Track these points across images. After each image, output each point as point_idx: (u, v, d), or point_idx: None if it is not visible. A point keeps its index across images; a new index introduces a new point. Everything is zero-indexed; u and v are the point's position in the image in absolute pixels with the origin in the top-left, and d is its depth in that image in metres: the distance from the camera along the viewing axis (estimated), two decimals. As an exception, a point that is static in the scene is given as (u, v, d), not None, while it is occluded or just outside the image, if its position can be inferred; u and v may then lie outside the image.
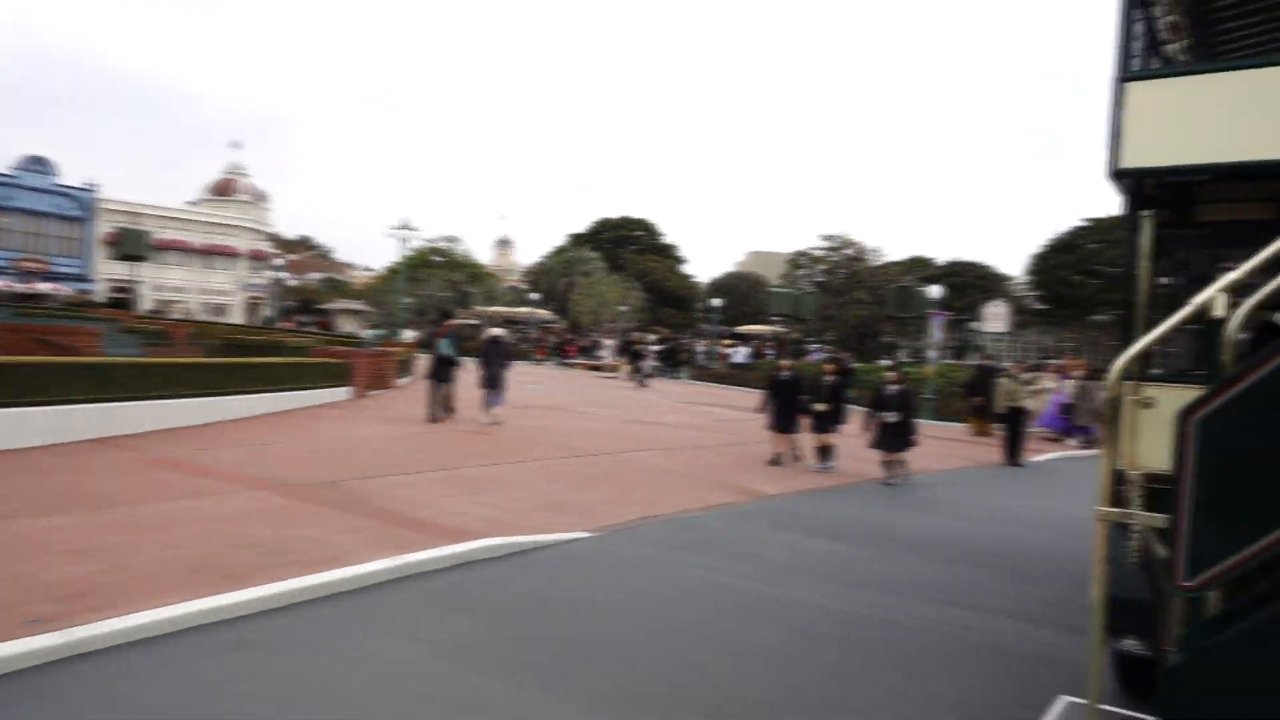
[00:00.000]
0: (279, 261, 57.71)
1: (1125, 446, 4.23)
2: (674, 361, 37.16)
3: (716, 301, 47.38)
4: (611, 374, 35.29)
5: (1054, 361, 31.33)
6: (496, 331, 18.60)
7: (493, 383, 16.04)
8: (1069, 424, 20.10)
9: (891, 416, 12.24)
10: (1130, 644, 4.27)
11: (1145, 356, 4.50)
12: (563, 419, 17.57)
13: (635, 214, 68.49)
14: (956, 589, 7.11)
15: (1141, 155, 3.91)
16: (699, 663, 5.08)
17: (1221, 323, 3.07)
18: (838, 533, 8.95)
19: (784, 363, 14.45)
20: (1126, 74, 4.00)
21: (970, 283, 49.89)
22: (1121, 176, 4.00)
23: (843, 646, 5.57)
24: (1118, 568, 4.42)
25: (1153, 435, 3.98)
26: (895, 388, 12.50)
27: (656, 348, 35.74)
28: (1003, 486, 13.48)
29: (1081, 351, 50.08)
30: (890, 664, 5.33)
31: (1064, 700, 4.71)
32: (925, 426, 21.34)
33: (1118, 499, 3.71)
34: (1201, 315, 3.07)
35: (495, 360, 16.20)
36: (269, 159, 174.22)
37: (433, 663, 4.76)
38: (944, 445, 18.00)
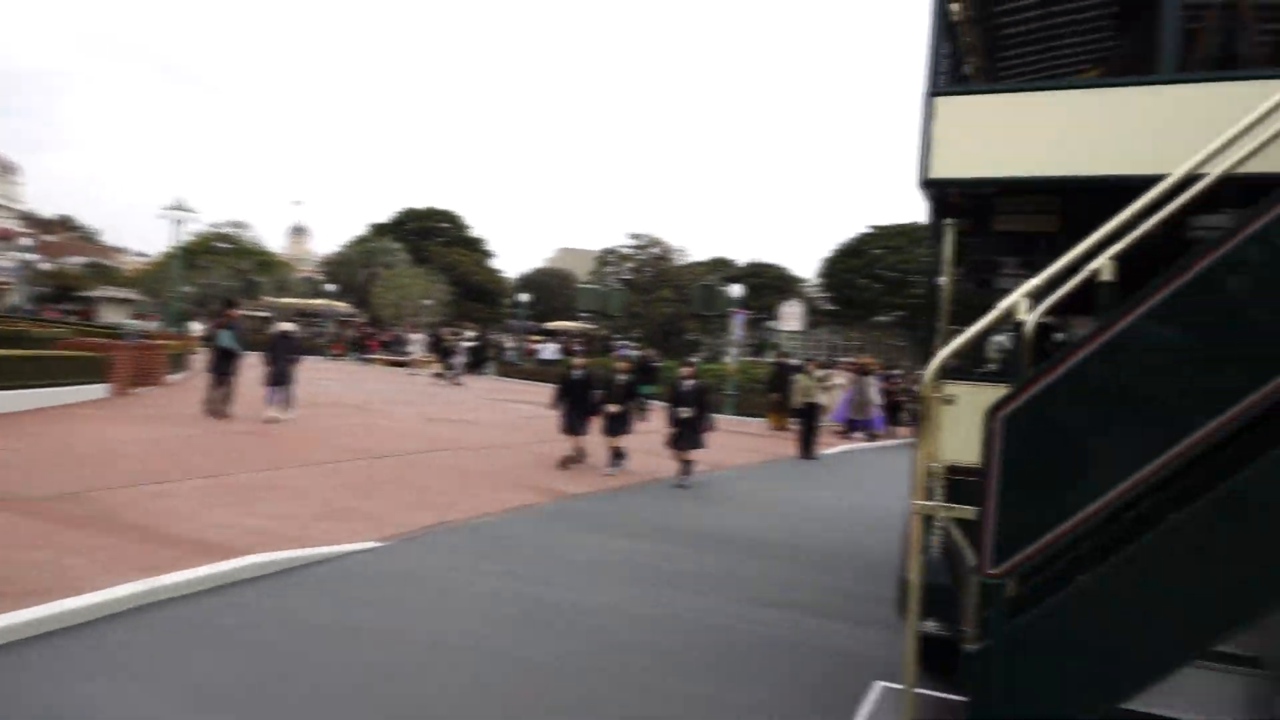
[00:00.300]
0: (28, 242, 51.23)
1: (922, 440, 4.32)
2: (481, 358, 36.23)
3: (525, 297, 46.76)
4: (420, 371, 33.88)
5: (845, 359, 33.18)
6: (286, 325, 17.19)
7: (279, 379, 14.81)
8: (850, 418, 21.26)
9: (686, 412, 11.90)
10: (931, 626, 4.44)
11: (928, 360, 4.70)
12: (357, 418, 16.49)
13: (442, 205, 66.43)
14: (761, 586, 7.12)
15: (946, 167, 4.04)
16: (488, 684, 4.66)
17: (1021, 325, 3.17)
18: (643, 532, 8.80)
19: (576, 360, 13.77)
20: (934, 90, 4.13)
21: (768, 283, 52.19)
22: (929, 186, 4.13)
23: (648, 654, 5.34)
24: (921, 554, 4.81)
25: (952, 431, 4.07)
26: (690, 383, 12.15)
27: (469, 344, 34.61)
28: (798, 480, 13.97)
29: (867, 349, 53.52)
30: (697, 670, 5.15)
31: (880, 686, 4.71)
32: (728, 422, 22.00)
33: (929, 492, 3.82)
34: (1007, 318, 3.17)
35: (283, 355, 14.99)
36: (28, 126, 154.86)
37: (165, 715, 4.05)
38: (745, 440, 18.50)
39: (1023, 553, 2.90)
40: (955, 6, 4.56)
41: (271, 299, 46.69)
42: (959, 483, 3.96)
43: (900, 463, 17.53)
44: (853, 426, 21.05)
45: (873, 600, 6.89)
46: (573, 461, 12.54)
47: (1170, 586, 2.88)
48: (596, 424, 12.62)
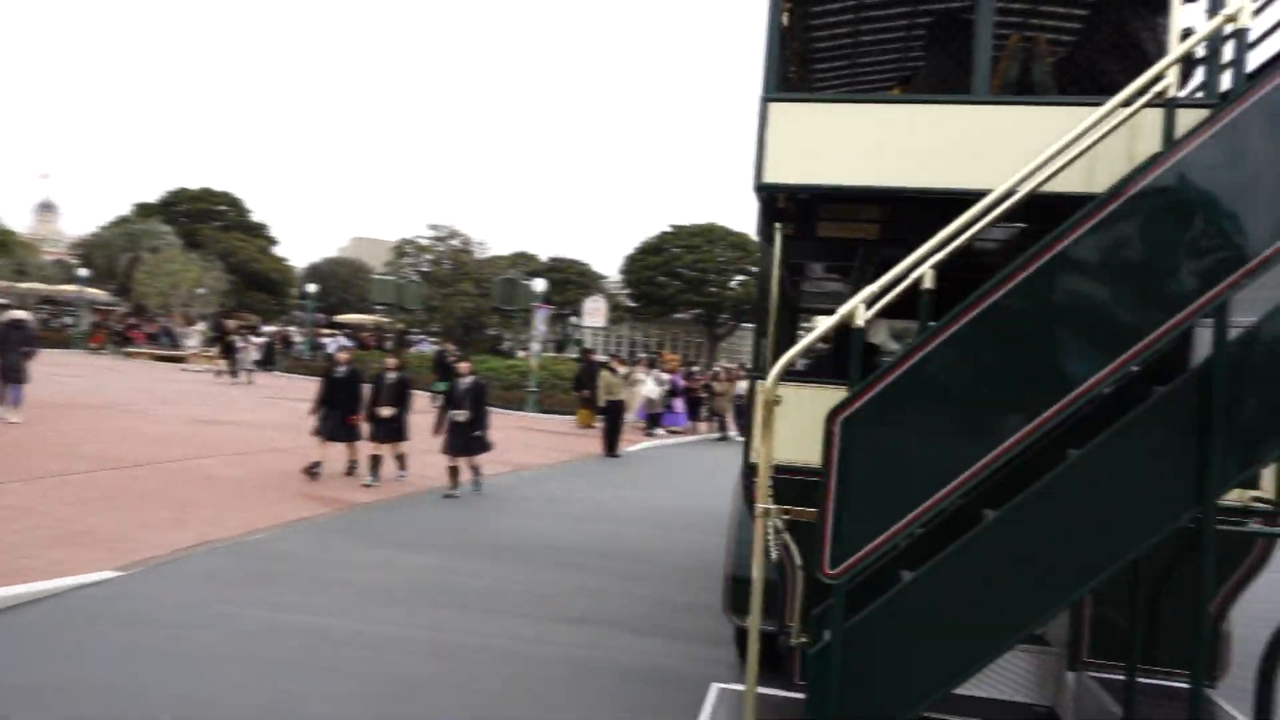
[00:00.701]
0: None
1: (758, 441, 4.34)
2: (271, 353, 33.39)
3: (313, 287, 43.83)
4: (198, 367, 30.71)
5: (648, 355, 33.52)
6: (18, 314, 14.88)
7: (9, 375, 12.78)
8: (650, 414, 21.27)
9: (461, 415, 10.50)
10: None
11: (767, 357, 4.72)
12: (109, 419, 14.50)
13: (220, 186, 61.12)
14: (567, 600, 6.67)
15: (778, 172, 4.09)
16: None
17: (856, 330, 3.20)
18: (437, 545, 8.12)
19: (341, 355, 11.82)
20: (769, 95, 4.15)
21: (570, 279, 52.09)
22: (761, 190, 4.15)
23: (437, 692, 4.74)
24: (745, 549, 4.76)
25: (781, 430, 4.01)
26: (468, 381, 10.73)
27: (259, 339, 31.67)
28: (604, 480, 13.67)
29: (667, 346, 54.66)
30: (493, 708, 4.61)
31: (716, 688, 4.47)
32: (531, 420, 21.50)
33: (751, 492, 4.09)
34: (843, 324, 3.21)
35: (14, 348, 12.97)
36: None
37: None
38: (549, 439, 18.06)
39: (859, 553, 2.99)
40: (785, 14, 4.55)
41: (8, 283, 41.03)
42: (783, 482, 3.99)
43: (705, 458, 17.80)
44: (654, 423, 21.12)
45: (691, 610, 6.62)
46: (316, 470, 10.84)
47: (988, 582, 3.06)
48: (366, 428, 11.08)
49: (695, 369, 30.12)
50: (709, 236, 49.83)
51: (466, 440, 10.56)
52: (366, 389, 11.21)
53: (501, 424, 17.71)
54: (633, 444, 18.28)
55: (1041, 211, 3.56)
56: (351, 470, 11.28)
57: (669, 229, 50.95)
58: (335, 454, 11.07)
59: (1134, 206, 3.01)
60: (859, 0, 4.81)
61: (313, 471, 10.83)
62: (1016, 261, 3.03)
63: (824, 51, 6.14)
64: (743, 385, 22.56)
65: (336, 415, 10.91)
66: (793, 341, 3.45)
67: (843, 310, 3.15)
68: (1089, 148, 3.34)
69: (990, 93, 4.16)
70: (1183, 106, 3.50)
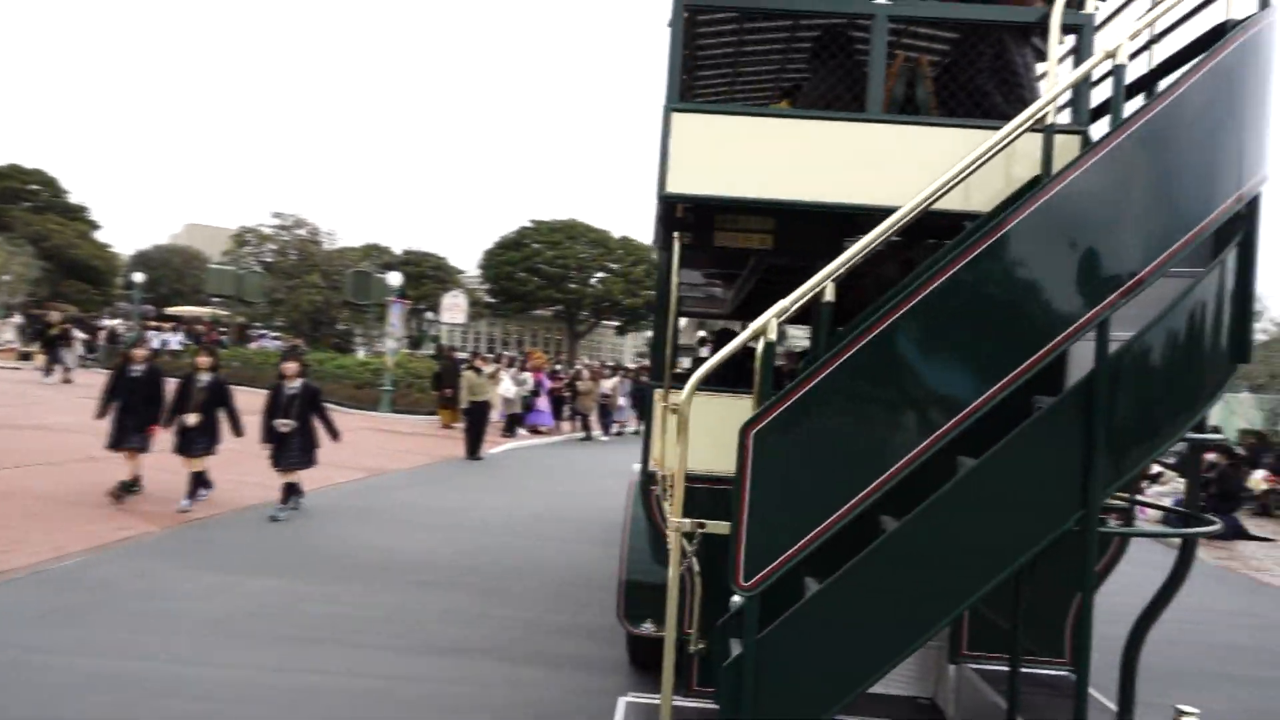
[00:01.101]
0: None
1: (657, 450, 4.45)
2: (90, 348, 30.24)
3: (140, 276, 40.38)
4: (13, 364, 27.41)
5: (508, 354, 32.78)
6: None
7: None
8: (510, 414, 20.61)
9: (286, 425, 9.10)
10: (648, 627, 4.80)
11: (664, 364, 4.68)
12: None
13: (30, 164, 55.44)
14: (428, 626, 6.09)
15: (681, 181, 4.09)
16: None
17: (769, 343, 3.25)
18: (279, 566, 7.32)
19: (138, 352, 9.59)
20: (673, 104, 4.13)
21: (426, 273, 50.36)
22: (665, 199, 4.15)
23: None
24: (639, 555, 5.03)
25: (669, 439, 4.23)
26: (295, 386, 9.26)
27: (84, 335, 28.46)
28: (467, 485, 13.07)
29: (526, 342, 53.90)
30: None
31: (625, 701, 4.32)
32: (386, 420, 20.41)
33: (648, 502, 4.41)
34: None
35: None
36: None
37: None
38: (407, 441, 17.20)
39: (772, 564, 3.03)
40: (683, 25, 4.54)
41: None
42: (690, 491, 3.95)
43: (572, 461, 17.34)
44: (514, 424, 20.45)
45: (570, 633, 6.20)
46: (127, 492, 9.22)
47: (895, 587, 3.15)
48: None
49: (559, 368, 29.62)
50: (570, 233, 49.43)
51: (292, 452, 9.24)
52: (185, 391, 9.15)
53: (355, 425, 16.68)
54: (495, 446, 17.62)
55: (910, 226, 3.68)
56: (130, 488, 9.29)
57: (529, 224, 50.17)
58: (133, 467, 9.31)
59: (1024, 230, 3.13)
60: (742, 10, 4.83)
61: (127, 491, 9.23)
62: (916, 282, 3.14)
63: (707, 61, 6.16)
64: (607, 384, 22.28)
65: (130, 421, 9.12)
66: (725, 360, 3.38)
67: (756, 323, 3.20)
68: (975, 169, 3.49)
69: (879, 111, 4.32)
70: (1058, 133, 3.73)
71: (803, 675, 3.10)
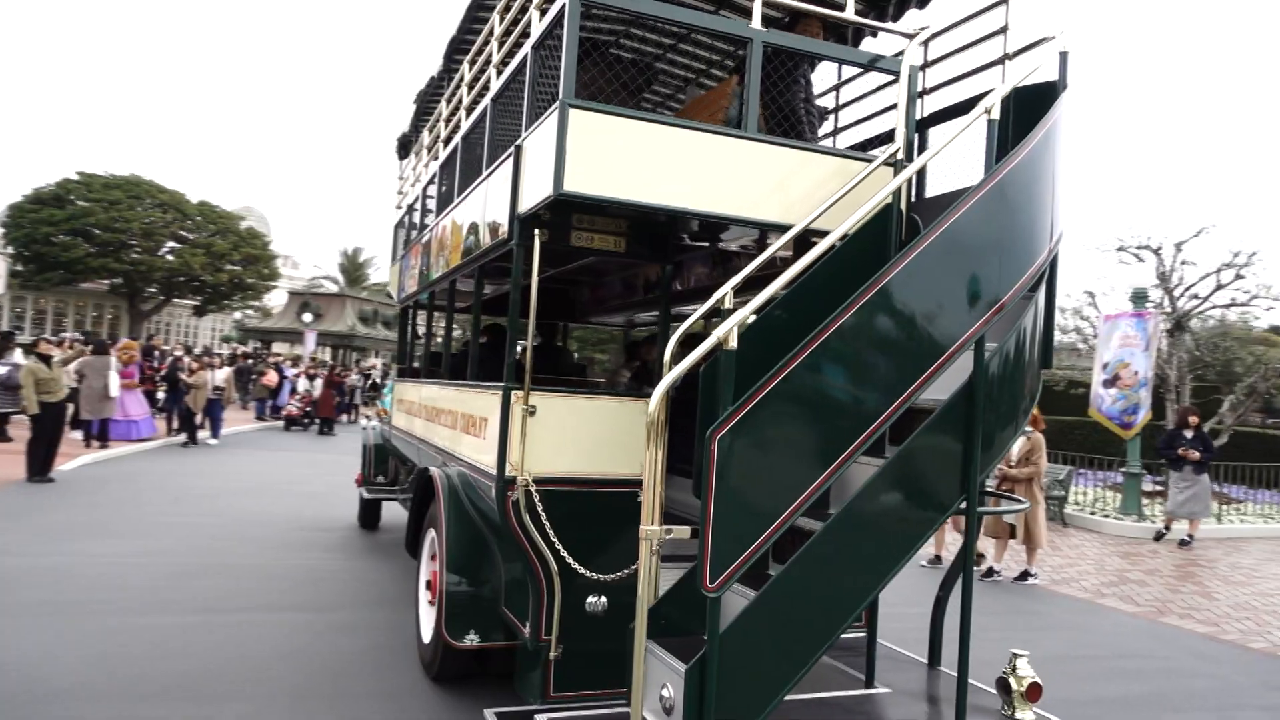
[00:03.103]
0: None
1: (515, 454, 4.29)
2: None
3: None
4: None
5: (81, 338, 27.20)
6: None
7: None
8: (87, 419, 16.35)
9: None
10: (473, 639, 4.85)
11: (521, 367, 4.46)
12: None
13: None
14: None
15: (576, 181, 4.03)
16: None
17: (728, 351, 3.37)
18: None
19: None
20: (570, 100, 4.00)
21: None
22: (562, 198, 4.02)
23: None
24: (462, 564, 4.97)
25: (537, 441, 4.28)
26: None
27: None
28: (32, 524, 9.30)
29: (71, 319, 45.33)
30: None
31: (491, 714, 4.31)
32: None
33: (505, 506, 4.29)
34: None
35: None
36: None
37: None
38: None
39: (731, 566, 3.11)
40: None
41: None
42: (552, 495, 4.28)
43: (185, 476, 13.82)
44: (93, 431, 16.36)
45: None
46: None
47: (824, 582, 3.41)
48: None
49: (159, 351, 24.86)
50: (132, 191, 42.09)
51: None
52: None
53: None
54: (72, 459, 14.22)
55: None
56: None
57: (75, 177, 41.77)
58: None
59: (925, 259, 3.55)
60: (632, 14, 4.81)
61: None
62: (845, 303, 3.42)
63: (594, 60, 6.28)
64: (219, 375, 19.36)
65: None
66: (688, 370, 3.35)
67: (717, 333, 3.26)
68: (844, 193, 4.18)
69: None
70: (889, 165, 4.39)
71: (750, 675, 3.26)
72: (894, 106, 5.28)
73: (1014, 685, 3.94)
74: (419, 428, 7.40)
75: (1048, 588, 9.58)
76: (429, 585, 5.78)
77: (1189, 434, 12.85)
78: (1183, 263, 19.21)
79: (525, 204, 4.40)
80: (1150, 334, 14.44)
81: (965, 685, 3.81)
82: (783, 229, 4.25)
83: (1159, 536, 13.16)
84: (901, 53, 4.71)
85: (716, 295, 3.91)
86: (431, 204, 8.08)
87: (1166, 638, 7.77)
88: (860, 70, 5.09)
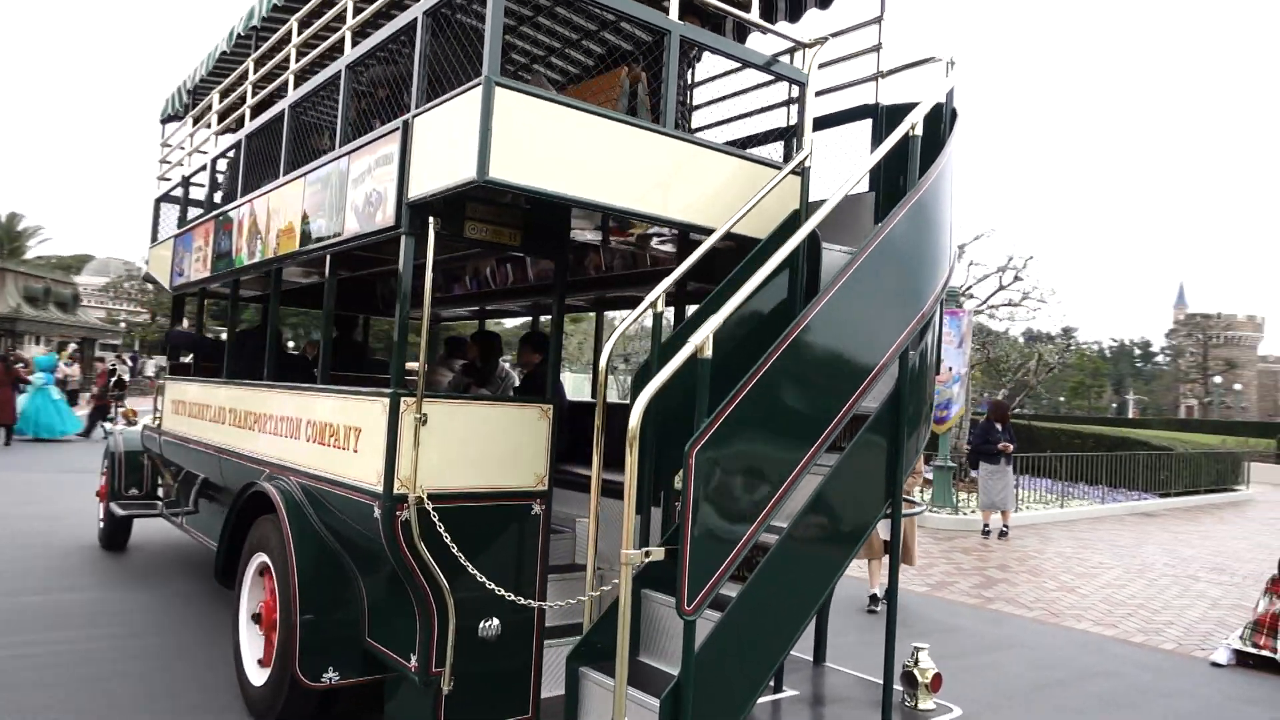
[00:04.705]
0: None
1: (405, 468, 3.83)
2: None
3: None
4: None
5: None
6: None
7: None
8: None
9: None
10: (331, 676, 4.37)
11: (419, 368, 4.18)
12: None
13: None
14: None
15: (503, 168, 3.67)
16: None
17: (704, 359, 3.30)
18: None
19: None
20: (497, 78, 3.57)
21: None
22: (487, 185, 3.62)
23: None
24: (316, 590, 4.42)
25: (429, 453, 3.87)
26: None
27: None
28: None
29: None
30: None
31: None
32: None
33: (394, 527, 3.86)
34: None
35: None
36: None
37: None
38: None
39: (707, 585, 3.03)
40: None
41: None
42: (445, 511, 3.85)
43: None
44: None
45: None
46: None
47: (783, 592, 3.46)
48: None
49: None
50: None
51: None
52: None
53: None
54: None
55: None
56: None
57: None
58: None
59: (860, 276, 3.67)
60: None
61: None
62: (792, 323, 3.47)
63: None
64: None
65: None
66: (669, 381, 3.20)
67: (694, 341, 3.18)
68: (761, 197, 4.21)
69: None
70: (796, 174, 4.45)
71: (722, 688, 3.24)
72: (778, 106, 5.42)
73: (919, 677, 4.13)
74: (216, 435, 6.45)
75: (937, 595, 9.00)
76: (257, 618, 5.01)
77: (1000, 427, 13.39)
78: (970, 264, 21.06)
79: (420, 188, 3.90)
80: (964, 331, 15.20)
81: (891, 685, 3.98)
82: (705, 231, 4.17)
83: (986, 532, 13.31)
84: (800, 56, 4.75)
85: (649, 298, 3.81)
86: (224, 179, 7.11)
87: (1094, 647, 7.31)
88: (752, 67, 5.02)
